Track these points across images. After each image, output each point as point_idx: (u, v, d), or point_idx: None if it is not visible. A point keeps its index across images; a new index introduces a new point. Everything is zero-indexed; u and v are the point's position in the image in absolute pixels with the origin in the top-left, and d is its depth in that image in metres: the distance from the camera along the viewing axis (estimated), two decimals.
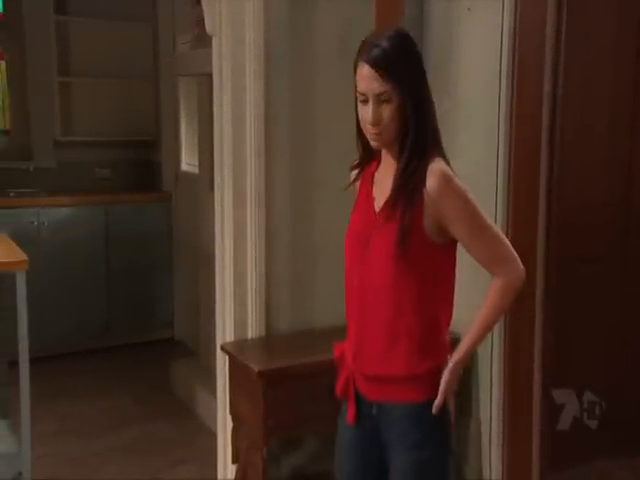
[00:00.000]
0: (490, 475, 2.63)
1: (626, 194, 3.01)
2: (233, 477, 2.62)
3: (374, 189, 1.65)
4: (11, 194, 4.47)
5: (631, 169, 3.02)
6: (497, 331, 2.52)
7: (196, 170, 4.11)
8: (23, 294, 2.51)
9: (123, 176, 4.95)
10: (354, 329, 1.66)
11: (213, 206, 2.80)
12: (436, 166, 1.54)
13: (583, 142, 2.82)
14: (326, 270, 2.67)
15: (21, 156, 4.67)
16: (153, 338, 4.65)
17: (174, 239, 4.74)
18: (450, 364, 1.61)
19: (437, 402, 1.59)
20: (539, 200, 2.51)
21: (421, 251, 1.55)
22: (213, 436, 2.97)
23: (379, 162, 1.67)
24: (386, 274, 1.57)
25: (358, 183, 1.71)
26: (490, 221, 1.59)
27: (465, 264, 1.64)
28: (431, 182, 1.52)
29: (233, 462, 2.62)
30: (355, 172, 1.72)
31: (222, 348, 2.63)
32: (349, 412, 1.69)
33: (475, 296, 1.68)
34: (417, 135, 1.54)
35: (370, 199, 1.64)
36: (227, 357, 2.60)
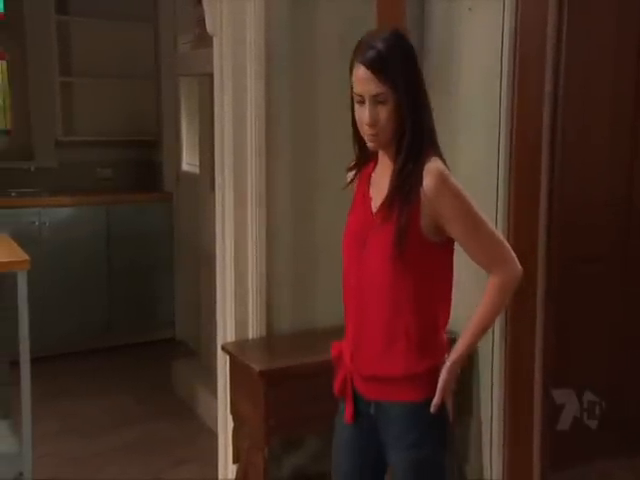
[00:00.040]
0: (491, 475, 2.63)
1: (627, 194, 3.01)
2: (234, 477, 2.63)
3: (371, 189, 1.65)
4: (12, 194, 4.47)
5: (632, 169, 3.01)
6: (498, 331, 2.52)
7: (197, 170, 4.11)
8: (24, 294, 2.51)
9: (124, 176, 4.95)
10: (352, 329, 1.67)
11: (214, 206, 2.80)
12: (432, 165, 1.54)
13: (584, 142, 2.82)
14: (327, 270, 2.67)
15: (22, 156, 4.67)
16: (154, 338, 4.65)
17: (175, 239, 4.75)
18: (448, 363, 1.61)
19: (435, 401, 1.59)
20: (540, 200, 2.51)
21: (418, 251, 1.56)
22: (214, 436, 2.97)
23: (376, 162, 1.67)
24: (383, 274, 1.57)
25: (355, 184, 1.71)
26: (487, 220, 1.58)
27: (463, 263, 1.64)
28: (428, 181, 1.53)
29: (234, 462, 2.62)
30: (352, 173, 1.72)
31: (223, 348, 2.63)
32: (347, 411, 1.69)
33: (473, 295, 1.68)
34: (414, 135, 1.54)
35: (367, 199, 1.64)
36: (228, 357, 2.60)
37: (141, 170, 4.98)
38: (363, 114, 1.54)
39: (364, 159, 1.68)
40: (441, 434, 1.64)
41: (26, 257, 2.58)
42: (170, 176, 4.77)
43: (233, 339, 2.67)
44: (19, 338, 2.52)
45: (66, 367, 4.21)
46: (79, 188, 4.71)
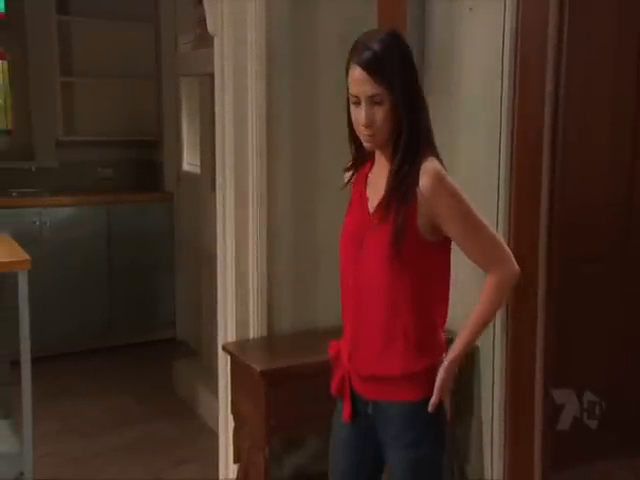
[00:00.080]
0: (492, 475, 2.63)
1: (628, 194, 3.01)
2: (235, 477, 2.63)
3: (368, 190, 1.65)
4: (13, 194, 4.47)
5: (633, 169, 3.01)
6: (499, 330, 2.52)
7: (198, 170, 4.11)
8: (25, 294, 2.52)
9: (125, 176, 4.96)
10: (350, 329, 1.67)
11: (215, 206, 2.81)
12: (429, 165, 1.54)
13: (585, 142, 2.82)
14: (328, 270, 2.66)
15: (23, 156, 4.67)
16: (155, 338, 4.66)
17: (176, 239, 4.75)
18: (445, 362, 1.61)
19: (433, 400, 1.59)
20: (541, 200, 2.51)
21: (415, 251, 1.56)
22: (215, 436, 2.97)
23: (372, 163, 1.67)
24: (381, 274, 1.58)
25: (352, 184, 1.72)
26: (484, 219, 1.59)
27: (461, 262, 1.65)
28: (424, 181, 1.53)
29: (235, 462, 2.62)
30: (349, 174, 1.72)
31: (224, 348, 2.63)
32: (345, 411, 1.70)
33: (472, 294, 1.68)
34: (410, 136, 1.54)
35: (364, 200, 1.65)
36: (229, 357, 2.60)
37: (142, 170, 4.98)
38: (359, 115, 1.54)
39: (360, 159, 1.68)
40: (439, 433, 1.65)
41: (27, 257, 2.58)
42: (171, 176, 4.77)
43: (234, 339, 2.67)
44: (20, 338, 2.52)
45: (67, 367, 4.21)
46: (80, 188, 4.71)
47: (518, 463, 2.62)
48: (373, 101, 1.52)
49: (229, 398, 2.64)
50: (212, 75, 2.79)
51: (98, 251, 4.51)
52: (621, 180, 2.99)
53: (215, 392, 2.94)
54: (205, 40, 3.32)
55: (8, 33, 4.57)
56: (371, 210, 1.62)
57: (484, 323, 1.64)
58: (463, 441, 2.71)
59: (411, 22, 2.67)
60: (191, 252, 4.39)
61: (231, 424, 2.63)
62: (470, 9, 2.55)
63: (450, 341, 1.66)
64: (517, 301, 2.49)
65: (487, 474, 2.64)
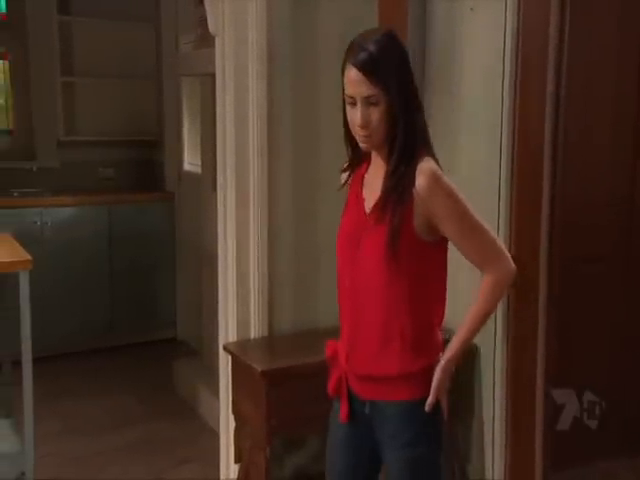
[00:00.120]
0: (493, 475, 2.63)
1: (630, 194, 3.01)
2: (236, 477, 2.63)
3: (364, 190, 1.66)
4: (14, 194, 4.47)
5: (635, 169, 3.01)
6: (500, 330, 2.52)
7: (199, 170, 4.11)
8: (26, 294, 2.52)
9: (126, 176, 4.96)
10: (347, 329, 1.67)
11: (216, 206, 2.81)
12: (425, 165, 1.55)
13: (587, 142, 2.82)
14: (329, 270, 2.64)
15: (24, 156, 4.68)
16: (156, 338, 4.66)
17: (177, 239, 4.75)
18: (442, 362, 1.62)
19: (430, 400, 1.60)
20: (542, 201, 2.51)
21: (412, 251, 1.56)
22: (216, 436, 2.97)
23: (368, 163, 1.67)
24: (378, 275, 1.58)
25: (349, 185, 1.72)
26: (480, 219, 1.59)
27: (460, 262, 1.65)
28: (420, 181, 1.53)
29: (236, 462, 2.62)
30: (346, 175, 1.73)
31: (225, 348, 2.63)
32: (342, 410, 1.70)
33: (471, 293, 1.68)
34: (406, 136, 1.54)
35: (360, 200, 1.65)
36: (230, 357, 2.60)
37: (143, 170, 4.98)
38: (355, 116, 1.55)
39: (357, 160, 1.69)
40: (436, 433, 1.65)
41: (28, 257, 2.58)
42: (172, 176, 4.77)
43: (235, 339, 2.67)
44: (21, 338, 2.53)
45: (68, 367, 4.22)
46: (81, 188, 4.71)
47: (519, 463, 2.61)
48: (369, 102, 1.52)
49: (230, 398, 2.64)
50: (213, 75, 2.79)
51: (99, 251, 4.51)
52: (623, 180, 2.99)
53: (216, 392, 2.94)
54: (206, 40, 3.32)
55: (9, 33, 4.58)
56: (367, 211, 1.62)
57: (481, 322, 1.64)
58: (464, 441, 2.71)
59: (412, 22, 2.67)
60: (192, 252, 4.39)
61: (232, 424, 2.64)
62: (471, 9, 2.55)
63: (447, 342, 1.66)
64: (518, 303, 2.49)
65: (488, 474, 2.64)
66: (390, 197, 1.56)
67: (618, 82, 2.90)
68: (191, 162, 4.52)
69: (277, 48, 2.57)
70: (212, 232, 3.06)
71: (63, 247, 4.37)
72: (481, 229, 1.59)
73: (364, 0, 2.66)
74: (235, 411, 2.59)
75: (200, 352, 4.10)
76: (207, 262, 3.78)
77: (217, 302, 2.82)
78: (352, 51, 1.54)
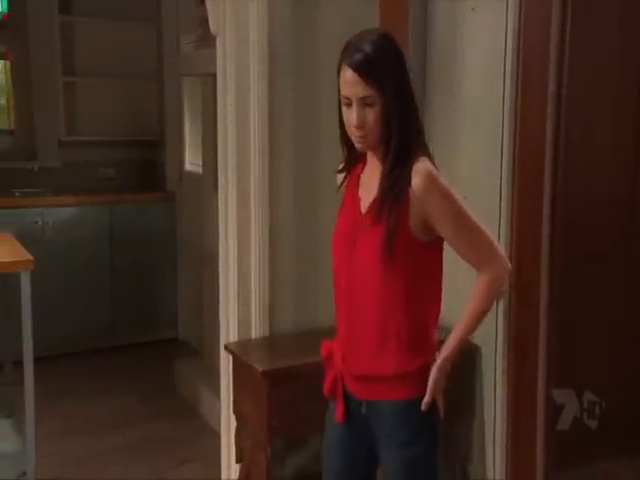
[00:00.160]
0: (494, 475, 2.62)
1: (631, 194, 3.01)
2: (237, 477, 2.63)
3: (360, 190, 1.66)
4: (16, 194, 4.48)
5: (636, 169, 3.01)
6: (502, 330, 2.52)
7: (200, 170, 4.11)
8: (28, 294, 2.52)
9: (127, 176, 4.96)
10: (343, 329, 1.68)
11: (217, 206, 2.81)
12: (421, 166, 1.55)
13: (588, 142, 2.82)
14: (330, 270, 2.65)
15: (26, 156, 4.68)
16: (157, 338, 4.66)
17: (178, 239, 4.75)
18: (438, 361, 1.62)
19: (426, 399, 1.60)
20: (543, 201, 2.50)
21: (408, 251, 1.57)
22: (217, 436, 2.97)
23: (364, 163, 1.68)
24: (374, 275, 1.58)
25: (345, 185, 1.72)
26: (476, 219, 1.59)
27: (459, 260, 1.65)
28: (416, 181, 1.53)
29: (237, 462, 2.62)
30: (342, 176, 1.73)
31: (226, 348, 2.63)
32: (338, 410, 1.71)
33: (470, 292, 1.68)
34: (401, 137, 1.55)
35: (356, 200, 1.65)
36: (231, 357, 2.60)
37: (144, 170, 4.98)
38: (351, 116, 1.55)
39: (353, 160, 1.69)
40: (433, 432, 1.65)
41: (30, 257, 2.59)
42: (173, 176, 4.78)
43: (236, 339, 2.67)
44: (22, 338, 2.53)
45: (69, 367, 4.22)
46: (82, 188, 4.71)
47: (520, 463, 2.61)
48: (364, 103, 1.52)
49: (231, 398, 2.64)
50: (214, 75, 2.79)
51: (100, 251, 4.52)
52: (624, 180, 2.99)
53: (217, 392, 2.94)
54: (207, 40, 3.32)
55: (11, 33, 4.58)
56: (363, 211, 1.62)
57: (477, 320, 1.64)
58: (465, 441, 2.70)
59: (413, 22, 2.67)
60: (193, 252, 4.39)
61: (233, 424, 2.64)
62: (472, 9, 2.54)
63: (442, 342, 1.66)
64: (520, 303, 2.49)
65: (489, 474, 2.64)
66: (387, 198, 1.56)
67: (620, 82, 2.89)
68: (192, 162, 4.52)
69: (278, 48, 2.57)
70: (213, 232, 3.05)
71: (64, 247, 4.38)
72: (477, 229, 1.60)
73: (365, 0, 2.66)
74: (236, 411, 2.59)
75: (201, 352, 4.10)
76: (208, 262, 3.78)
77: (218, 302, 2.82)
78: (348, 52, 1.54)
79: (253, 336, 2.66)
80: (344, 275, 1.65)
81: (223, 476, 2.84)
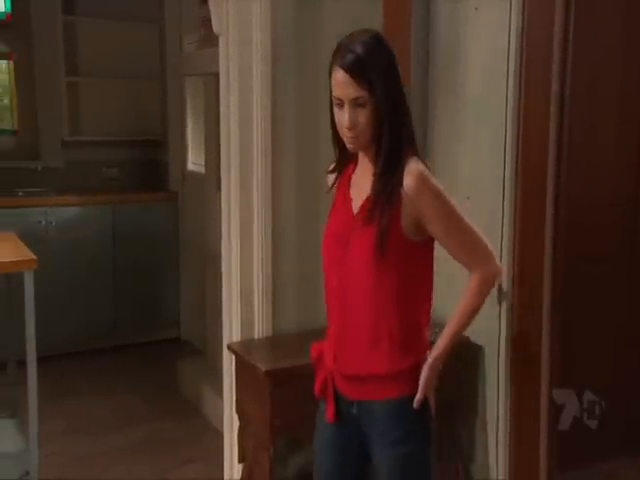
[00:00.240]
0: (497, 475, 2.62)
1: (635, 194, 3.00)
2: (240, 476, 2.63)
3: (351, 191, 1.67)
4: (19, 194, 4.49)
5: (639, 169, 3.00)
6: (504, 329, 2.52)
7: (203, 170, 4.11)
8: (31, 293, 2.52)
9: (130, 176, 4.97)
10: (335, 330, 1.69)
11: (220, 206, 2.81)
12: (413, 166, 1.56)
13: (591, 142, 2.81)
14: None
15: (29, 156, 4.69)
16: (160, 337, 4.66)
17: (181, 239, 4.75)
18: (429, 360, 1.63)
19: (418, 397, 1.61)
20: (546, 200, 2.50)
21: (400, 252, 1.57)
22: (220, 435, 2.98)
23: (356, 164, 1.68)
24: (366, 276, 1.59)
25: (336, 186, 1.73)
26: (467, 219, 1.60)
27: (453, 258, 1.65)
28: (408, 181, 1.54)
29: (240, 461, 2.62)
30: (333, 176, 1.74)
31: (229, 348, 2.64)
32: (328, 411, 1.71)
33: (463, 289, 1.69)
34: (392, 137, 1.55)
35: (348, 200, 1.66)
36: (234, 357, 2.60)
37: (147, 170, 4.99)
38: (342, 117, 1.56)
39: (344, 161, 1.70)
40: (425, 430, 1.66)
41: (33, 257, 2.59)
42: (176, 176, 4.78)
43: (239, 339, 2.67)
44: (25, 337, 2.53)
45: (72, 366, 4.22)
46: (85, 188, 4.72)
47: (523, 463, 2.61)
48: (356, 103, 1.53)
49: (234, 398, 2.64)
50: (217, 75, 2.79)
51: (103, 251, 4.52)
52: (628, 179, 2.98)
53: (220, 392, 2.94)
54: (210, 40, 3.33)
55: (14, 33, 4.59)
56: (355, 211, 1.63)
57: (469, 318, 1.65)
58: (468, 441, 2.70)
59: (416, 22, 2.67)
60: (196, 252, 4.39)
61: (236, 424, 2.64)
62: (475, 9, 2.54)
63: (432, 343, 1.67)
64: (523, 302, 2.48)
65: (492, 474, 2.64)
66: (379, 199, 1.57)
67: (623, 82, 2.89)
68: (195, 162, 4.52)
69: (281, 48, 2.57)
70: (216, 232, 3.05)
71: (67, 247, 4.38)
72: (468, 229, 1.61)
73: (368, 1, 2.66)
74: (239, 411, 2.59)
75: (204, 352, 4.10)
76: (211, 262, 3.78)
77: (221, 302, 2.82)
78: (339, 53, 1.55)
79: (256, 336, 2.66)
80: (335, 275, 1.65)
81: (226, 476, 2.85)
